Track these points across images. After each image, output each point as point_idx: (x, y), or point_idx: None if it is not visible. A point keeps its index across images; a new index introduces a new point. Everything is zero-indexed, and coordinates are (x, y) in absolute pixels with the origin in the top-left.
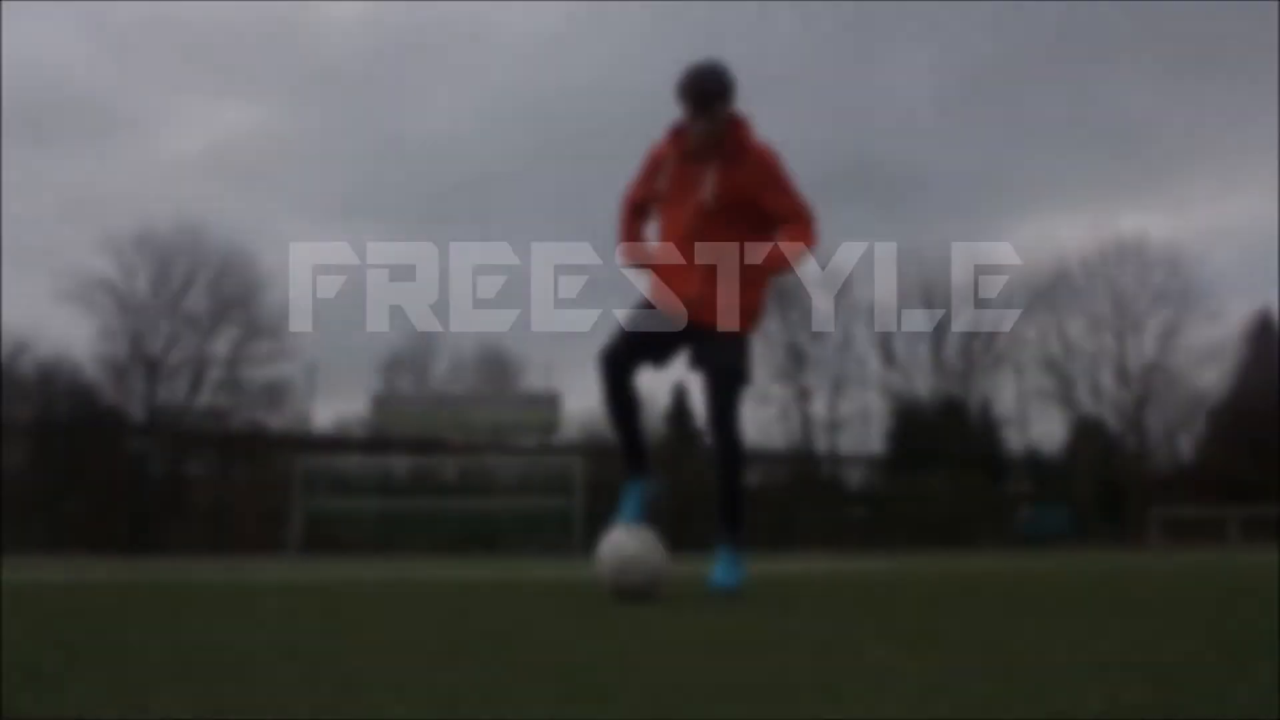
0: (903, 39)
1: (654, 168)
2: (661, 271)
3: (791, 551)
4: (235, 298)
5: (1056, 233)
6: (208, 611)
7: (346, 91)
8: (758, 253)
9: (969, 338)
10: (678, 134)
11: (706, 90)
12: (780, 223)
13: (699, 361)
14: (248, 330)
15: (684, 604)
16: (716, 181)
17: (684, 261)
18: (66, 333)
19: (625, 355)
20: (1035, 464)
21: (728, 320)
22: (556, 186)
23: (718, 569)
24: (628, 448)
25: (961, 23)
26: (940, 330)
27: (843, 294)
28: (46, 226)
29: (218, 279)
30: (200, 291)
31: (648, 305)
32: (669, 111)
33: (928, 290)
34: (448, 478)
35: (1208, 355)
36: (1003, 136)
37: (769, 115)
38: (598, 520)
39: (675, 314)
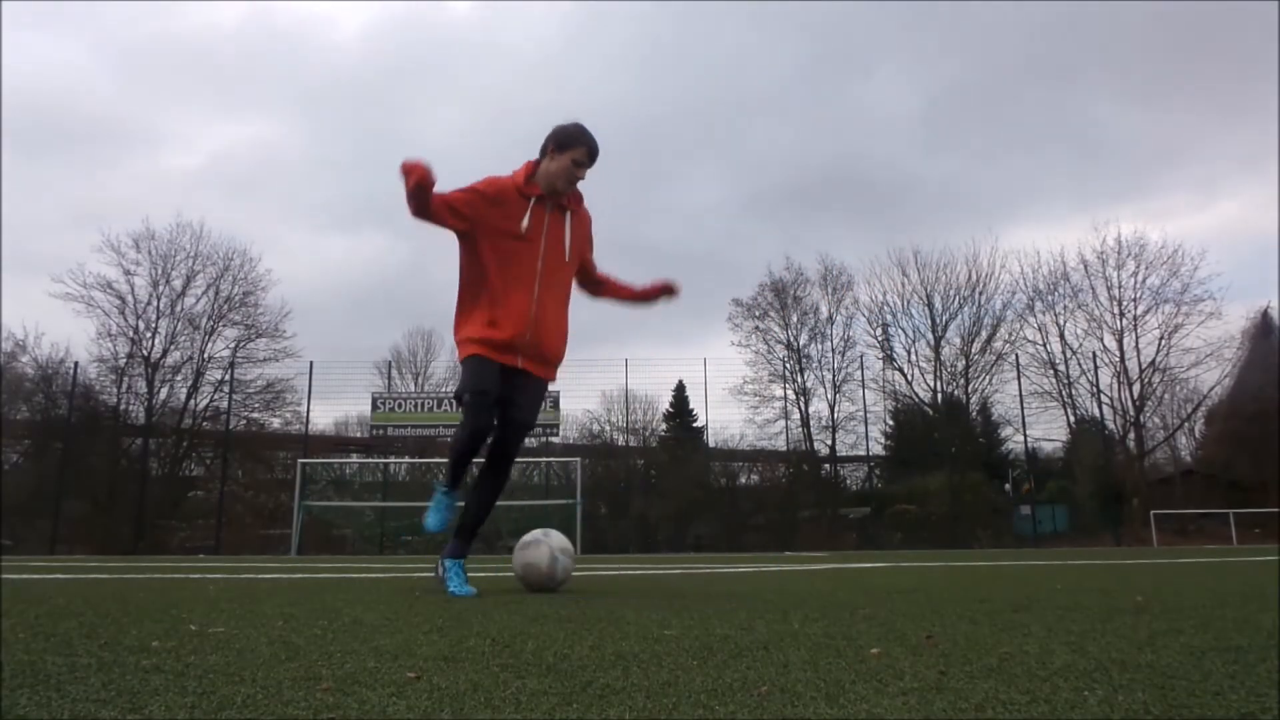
0: (890, 56)
1: (494, 195)
2: (511, 309)
3: (792, 551)
4: (235, 298)
5: (1037, 242)
6: (207, 611)
7: (346, 105)
8: (638, 290)
9: (969, 338)
10: (529, 178)
11: (597, 151)
12: (599, 280)
13: (514, 404)
14: (248, 330)
15: (684, 605)
16: (572, 235)
17: (529, 306)
18: (66, 333)
19: (488, 425)
20: (1035, 464)
21: (551, 374)
22: None
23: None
24: (459, 474)
25: (945, 42)
26: (940, 330)
27: (843, 294)
28: (51, 235)
29: (218, 279)
30: (200, 291)
31: (484, 363)
32: (661, 123)
33: (928, 290)
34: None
35: (1207, 355)
36: (984, 149)
37: (758, 124)
38: (599, 520)
39: (507, 347)
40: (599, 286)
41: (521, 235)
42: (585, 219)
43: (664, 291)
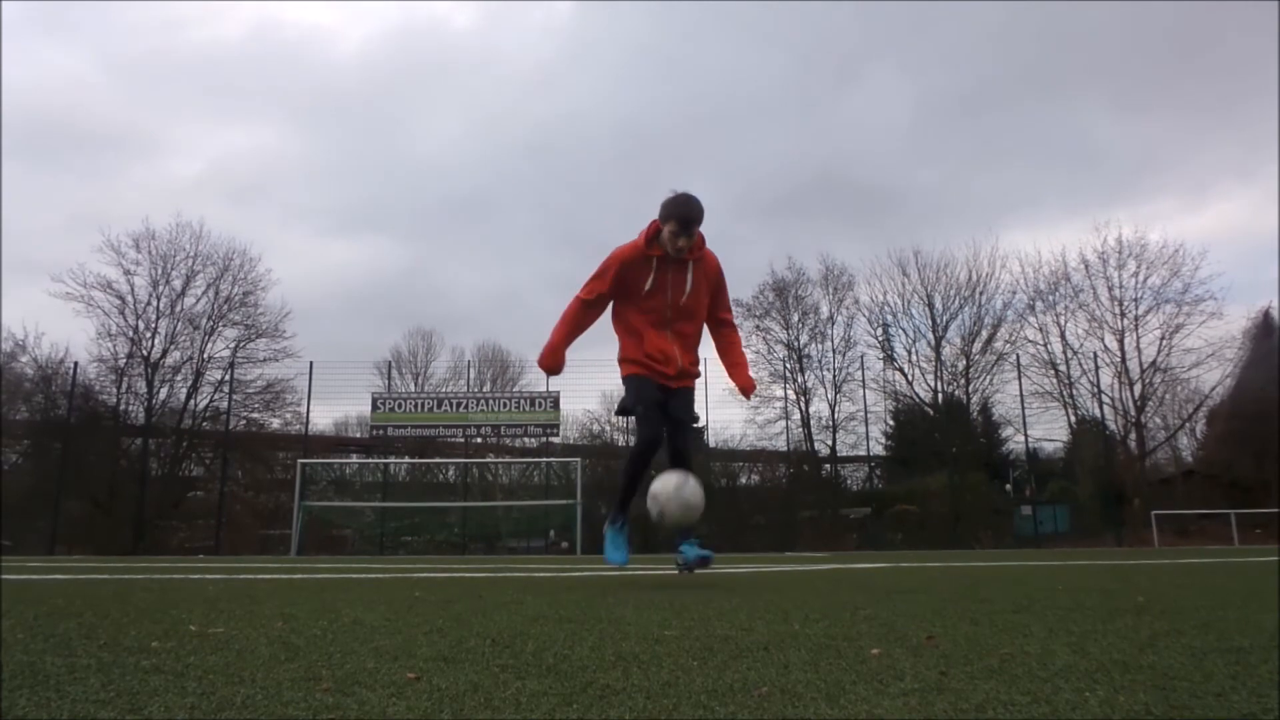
0: (880, 62)
1: (619, 270)
2: (651, 347)
3: (792, 551)
4: (235, 298)
5: (1030, 246)
6: (207, 611)
7: (346, 113)
8: (739, 376)
9: (969, 338)
10: (651, 241)
11: (692, 217)
12: (724, 322)
13: (678, 411)
14: (248, 330)
15: (684, 605)
16: (692, 282)
17: (668, 341)
18: (66, 333)
19: (659, 435)
20: (1035, 464)
21: (692, 382)
22: (544, 203)
23: (691, 549)
24: (630, 492)
25: (934, 57)
26: (940, 330)
27: (844, 294)
28: (53, 239)
29: (217, 279)
30: (200, 291)
31: (645, 381)
32: (649, 134)
33: (928, 290)
34: (447, 478)
35: (1209, 355)
36: (973, 158)
37: (750, 130)
38: (599, 520)
39: (661, 378)
40: (717, 333)
41: (651, 290)
42: (707, 264)
43: (745, 390)
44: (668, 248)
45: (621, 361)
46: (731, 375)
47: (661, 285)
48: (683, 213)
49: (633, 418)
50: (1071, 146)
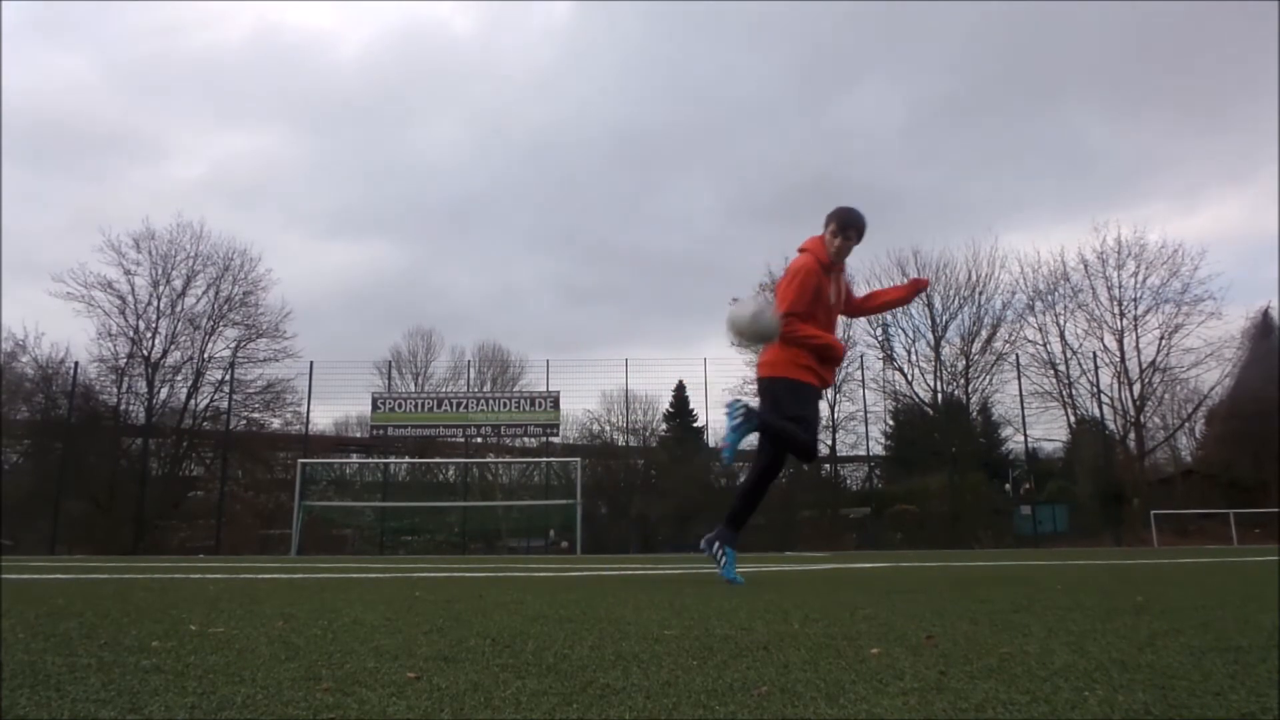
0: (878, 72)
1: (816, 287)
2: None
3: (792, 551)
4: (235, 298)
5: (1026, 248)
6: (207, 611)
7: (346, 117)
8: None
9: (969, 337)
10: (821, 253)
11: (854, 223)
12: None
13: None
14: (248, 330)
15: (684, 605)
16: (840, 290)
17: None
18: (66, 333)
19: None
20: (1035, 464)
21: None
22: (543, 204)
23: (731, 570)
24: (752, 510)
25: (929, 62)
26: (940, 330)
27: None
28: (55, 243)
29: (218, 279)
30: (200, 291)
31: (814, 392)
32: (648, 136)
33: (928, 290)
34: (447, 478)
35: (1208, 355)
36: (967, 162)
37: (747, 134)
38: (599, 520)
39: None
40: (856, 310)
41: (823, 299)
42: (844, 275)
43: (918, 288)
44: (829, 250)
45: (792, 364)
46: (894, 292)
47: (834, 294)
48: (847, 219)
49: (781, 422)
50: (1067, 150)
